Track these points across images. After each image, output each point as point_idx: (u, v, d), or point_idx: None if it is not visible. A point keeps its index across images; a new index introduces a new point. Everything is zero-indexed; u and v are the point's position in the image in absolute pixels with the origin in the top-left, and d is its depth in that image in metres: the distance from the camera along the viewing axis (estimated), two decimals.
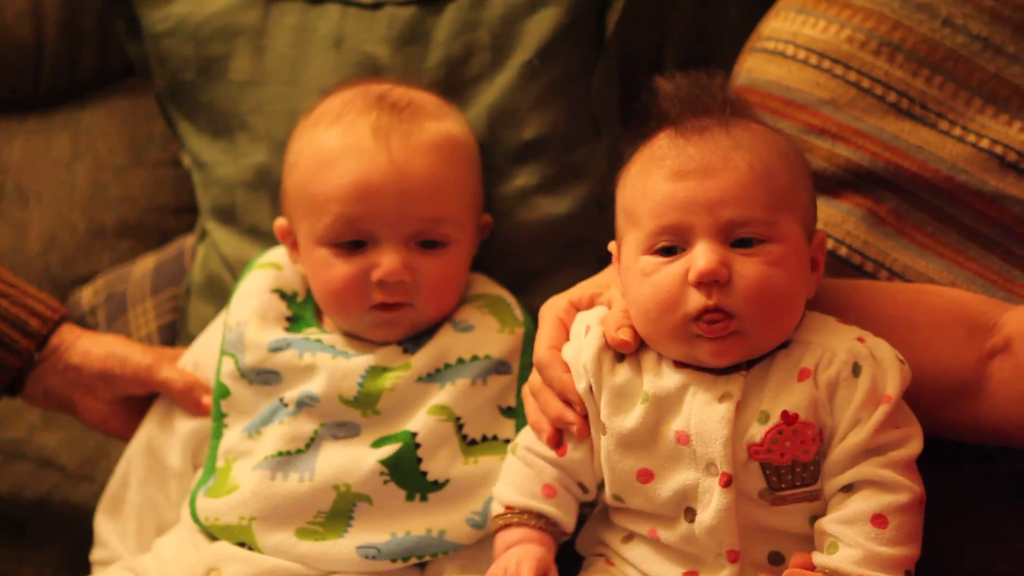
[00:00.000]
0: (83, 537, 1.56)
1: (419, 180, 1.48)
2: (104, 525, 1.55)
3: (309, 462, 1.46)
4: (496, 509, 1.42)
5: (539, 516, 1.40)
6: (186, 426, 1.55)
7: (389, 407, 1.48)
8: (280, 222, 1.57)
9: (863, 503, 1.28)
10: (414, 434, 1.46)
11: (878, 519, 1.27)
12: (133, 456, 1.57)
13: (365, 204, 1.48)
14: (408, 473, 1.46)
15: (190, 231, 1.86)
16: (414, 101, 1.55)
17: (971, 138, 1.55)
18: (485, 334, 1.53)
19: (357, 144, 1.49)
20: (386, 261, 1.47)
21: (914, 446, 1.30)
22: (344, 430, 1.48)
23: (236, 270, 1.68)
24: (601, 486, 1.40)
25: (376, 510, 1.45)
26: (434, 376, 1.50)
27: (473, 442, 1.49)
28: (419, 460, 1.46)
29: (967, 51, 1.56)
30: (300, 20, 1.72)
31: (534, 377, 1.43)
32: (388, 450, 1.46)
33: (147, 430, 1.57)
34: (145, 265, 1.85)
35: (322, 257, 1.50)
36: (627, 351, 1.36)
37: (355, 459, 1.46)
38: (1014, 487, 1.47)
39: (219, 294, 1.68)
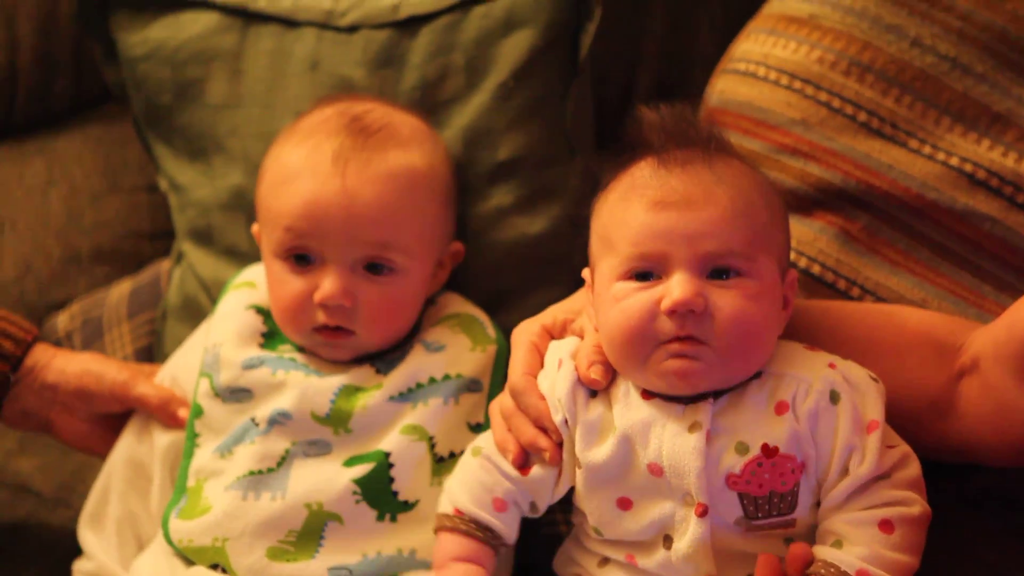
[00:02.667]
0: (60, 563, 1.55)
1: (367, 207, 1.49)
2: (87, 537, 1.54)
3: (281, 480, 1.46)
4: (445, 507, 1.41)
5: (486, 528, 1.40)
6: (164, 439, 1.55)
7: (361, 426, 1.48)
8: (254, 227, 1.59)
9: (873, 510, 1.28)
10: (387, 454, 1.46)
11: (886, 525, 1.27)
12: (113, 469, 1.56)
13: (312, 224, 1.49)
14: (379, 493, 1.46)
15: (166, 256, 1.85)
16: (388, 127, 1.55)
17: (941, 156, 1.57)
18: (457, 353, 1.53)
19: (315, 166, 1.51)
20: (327, 284, 1.48)
21: (915, 463, 1.31)
22: (316, 448, 1.48)
23: (213, 291, 1.68)
24: (567, 515, 1.41)
25: (346, 530, 1.45)
26: (406, 396, 1.50)
27: (441, 459, 1.49)
28: (391, 480, 1.46)
29: (936, 71, 1.58)
30: (276, 44, 1.73)
31: (505, 400, 1.42)
32: (361, 469, 1.46)
33: (127, 442, 1.57)
34: (121, 290, 1.85)
35: (276, 270, 1.52)
36: (598, 388, 1.36)
37: (327, 477, 1.46)
38: (986, 502, 1.48)
39: (196, 316, 1.68)
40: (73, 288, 1.88)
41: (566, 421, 1.37)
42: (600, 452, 1.34)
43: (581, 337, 1.41)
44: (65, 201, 1.92)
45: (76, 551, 1.55)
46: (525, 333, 1.44)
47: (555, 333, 1.44)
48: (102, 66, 1.81)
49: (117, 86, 1.81)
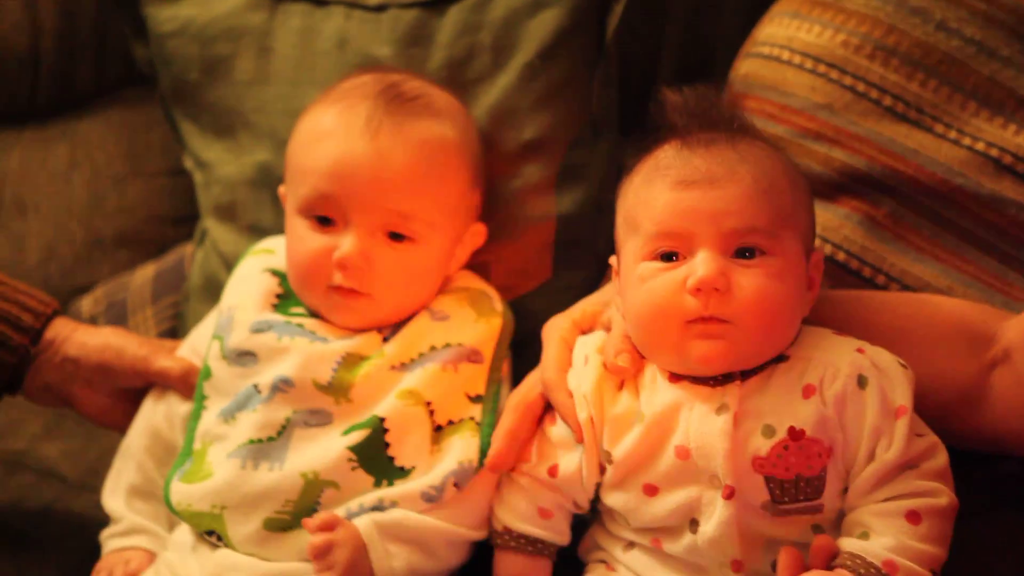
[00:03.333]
0: (85, 548, 1.55)
1: (396, 172, 1.50)
2: (110, 503, 1.54)
3: (280, 451, 1.46)
4: (495, 525, 1.44)
5: (535, 541, 1.42)
6: (184, 408, 1.55)
7: (362, 395, 1.49)
8: (281, 189, 1.60)
9: (899, 500, 1.28)
10: (382, 419, 1.46)
11: (912, 515, 1.27)
12: (132, 439, 1.56)
13: (340, 184, 1.49)
14: (375, 459, 1.46)
15: (188, 240, 1.86)
16: (425, 96, 1.56)
17: (967, 141, 1.56)
18: (460, 323, 1.54)
19: (348, 125, 1.51)
20: (347, 244, 1.49)
21: (943, 454, 1.31)
22: (316, 417, 1.48)
23: (234, 267, 1.68)
24: (593, 501, 1.41)
25: (343, 495, 1.45)
26: (407, 365, 1.50)
27: (439, 428, 1.48)
28: (386, 445, 1.46)
29: (961, 55, 1.57)
30: (305, 22, 1.74)
31: (530, 392, 1.44)
32: (356, 436, 1.46)
33: (145, 414, 1.57)
34: (145, 274, 1.85)
35: (297, 227, 1.53)
36: (626, 377, 1.37)
37: (325, 447, 1.46)
38: (1014, 491, 1.48)
39: (217, 294, 1.67)
40: (96, 272, 1.89)
41: (591, 418, 1.37)
42: (626, 443, 1.35)
43: (608, 330, 1.41)
44: (88, 185, 1.92)
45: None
46: (555, 329, 1.44)
47: (584, 327, 1.45)
48: (131, 44, 1.83)
49: (145, 63, 1.82)
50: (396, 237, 1.51)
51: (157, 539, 1.52)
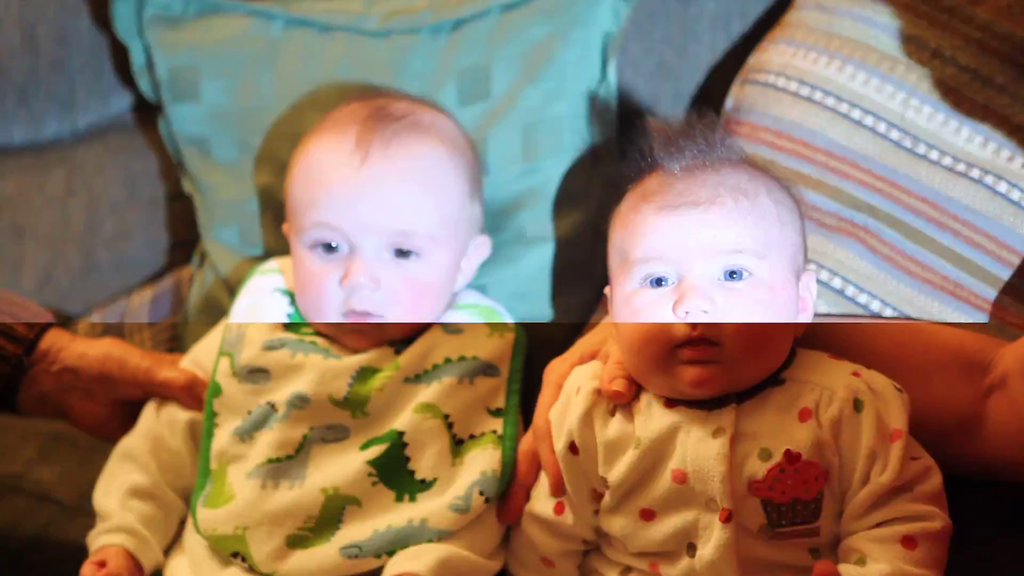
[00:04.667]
0: (80, 571, 1.54)
1: (390, 192, 1.51)
2: (100, 501, 1.53)
3: (299, 468, 1.47)
4: (510, 574, 1.46)
5: None
6: (187, 415, 1.55)
7: (378, 409, 1.49)
8: (285, 226, 1.60)
9: (894, 525, 1.28)
10: (401, 433, 1.47)
11: (908, 541, 1.27)
12: (131, 442, 1.55)
13: (339, 213, 1.51)
14: (396, 473, 1.46)
15: (186, 265, 1.86)
16: (412, 115, 1.57)
17: (960, 167, 1.57)
18: (474, 336, 1.54)
19: (339, 153, 1.53)
20: (354, 268, 1.50)
21: (937, 477, 1.31)
22: (333, 432, 1.49)
23: (235, 290, 1.69)
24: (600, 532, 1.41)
25: (364, 512, 1.45)
26: (421, 377, 1.51)
27: (461, 441, 1.49)
28: (406, 459, 1.46)
29: (956, 82, 1.58)
30: (308, 48, 1.76)
31: (528, 438, 1.46)
32: (375, 451, 1.46)
33: (145, 420, 1.56)
34: (142, 297, 1.85)
35: (304, 260, 1.54)
36: (621, 401, 1.37)
37: (344, 462, 1.46)
38: (1012, 515, 1.48)
39: (217, 316, 1.69)
40: (93, 297, 1.88)
41: (573, 445, 1.38)
42: (621, 466, 1.35)
43: (605, 361, 1.42)
44: (85, 211, 1.92)
45: None
46: (553, 373, 1.45)
47: None
48: (134, 70, 1.83)
49: (148, 88, 1.83)
50: (402, 254, 1.52)
51: (143, 544, 1.49)
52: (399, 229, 1.51)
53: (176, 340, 1.80)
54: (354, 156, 1.52)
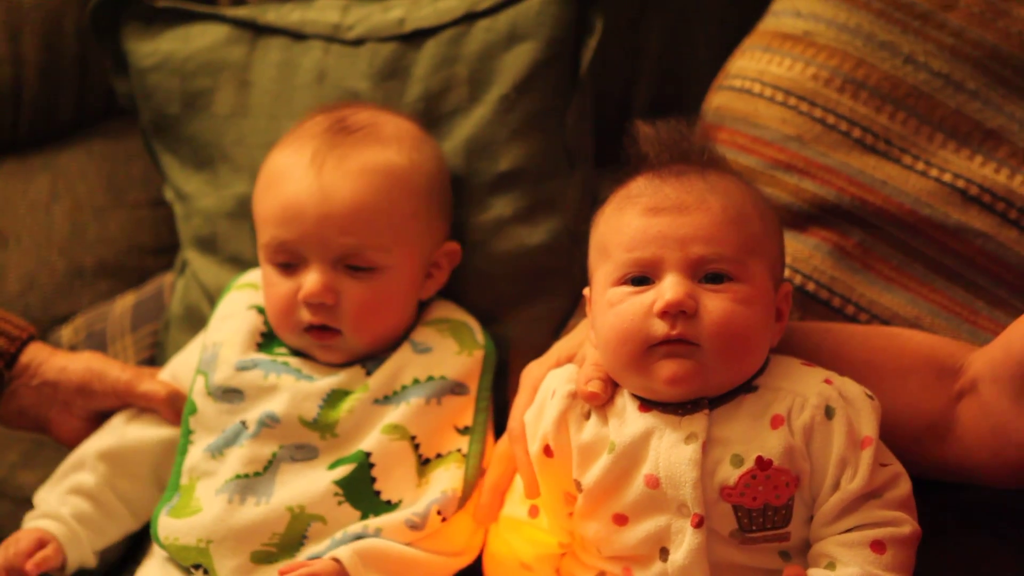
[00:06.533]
0: None
1: (339, 204, 1.51)
2: (40, 493, 1.55)
3: (266, 486, 1.48)
4: None
5: None
6: (154, 432, 1.56)
7: (347, 430, 1.50)
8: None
9: (864, 531, 1.29)
10: (368, 454, 1.48)
11: (877, 545, 1.28)
12: (87, 450, 1.56)
13: (291, 226, 1.52)
14: (362, 493, 1.47)
15: (168, 270, 1.87)
16: (370, 126, 1.57)
17: (934, 172, 1.58)
18: (442, 355, 1.55)
19: (295, 166, 1.54)
20: (308, 282, 1.51)
21: (906, 483, 1.32)
22: (302, 452, 1.50)
23: (215, 299, 1.70)
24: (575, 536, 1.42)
25: (329, 529, 1.46)
26: (390, 398, 1.52)
27: (427, 461, 1.50)
28: (372, 480, 1.47)
29: (929, 87, 1.59)
30: (284, 56, 1.76)
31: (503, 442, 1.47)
32: (342, 471, 1.47)
33: (109, 429, 1.57)
34: (124, 303, 1.86)
35: (267, 274, 1.55)
36: (596, 403, 1.38)
37: (311, 481, 1.47)
38: (982, 515, 1.49)
39: (198, 324, 1.69)
40: (77, 302, 1.89)
41: (548, 448, 1.39)
42: (595, 470, 1.36)
43: (581, 364, 1.43)
44: (69, 216, 1.93)
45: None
46: (529, 377, 1.46)
47: None
48: (112, 77, 1.83)
49: (126, 97, 1.83)
50: (355, 268, 1.52)
51: (71, 536, 1.50)
52: (349, 244, 1.51)
53: (158, 347, 1.80)
54: (308, 171, 1.53)
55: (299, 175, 1.53)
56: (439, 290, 1.62)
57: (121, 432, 1.57)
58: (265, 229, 1.54)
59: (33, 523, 1.51)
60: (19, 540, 1.48)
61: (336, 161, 1.53)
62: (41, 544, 1.48)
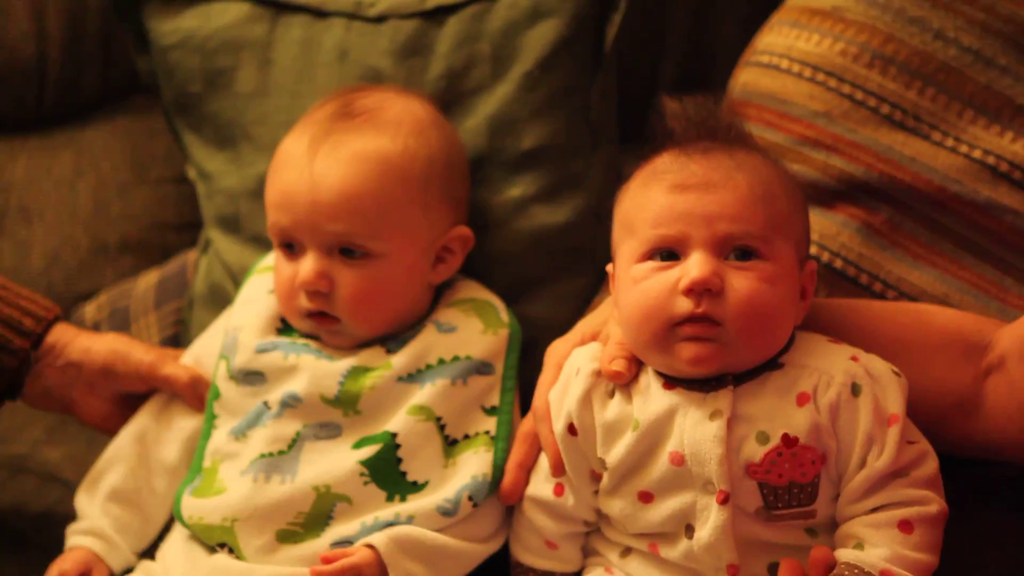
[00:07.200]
0: None
1: (328, 192, 1.50)
2: (80, 499, 1.55)
3: (291, 464, 1.48)
4: (512, 557, 1.47)
5: (546, 572, 1.45)
6: (187, 424, 1.57)
7: (370, 407, 1.50)
8: None
9: (891, 510, 1.29)
10: (394, 435, 1.47)
11: (905, 525, 1.28)
12: (122, 444, 1.57)
13: (287, 212, 1.52)
14: (388, 474, 1.47)
15: (192, 247, 1.87)
16: (372, 111, 1.56)
17: (963, 149, 1.57)
18: (467, 335, 1.54)
19: (295, 152, 1.53)
20: (303, 268, 1.51)
21: (933, 461, 1.31)
22: (326, 430, 1.49)
23: (238, 278, 1.70)
24: (600, 513, 1.42)
25: (355, 510, 1.46)
26: (415, 376, 1.51)
27: (454, 442, 1.49)
28: (399, 460, 1.47)
29: (959, 63, 1.58)
30: (306, 33, 1.75)
31: (528, 420, 1.46)
32: (368, 451, 1.47)
33: (141, 422, 1.58)
34: (148, 280, 1.86)
35: (277, 258, 1.55)
36: (620, 382, 1.37)
37: (336, 460, 1.47)
38: (1007, 492, 1.49)
39: (222, 303, 1.69)
40: (100, 279, 1.90)
41: (571, 427, 1.38)
42: (620, 448, 1.35)
43: (606, 343, 1.42)
44: (93, 193, 1.94)
45: None
46: (553, 355, 1.46)
47: None
48: (134, 55, 1.83)
49: (148, 75, 1.83)
50: (349, 254, 1.51)
51: (113, 549, 1.52)
52: (339, 231, 1.50)
53: (181, 325, 1.81)
54: (303, 158, 1.52)
55: (295, 162, 1.52)
56: (458, 271, 1.61)
57: (148, 429, 1.58)
58: (269, 213, 1.55)
59: (77, 539, 1.52)
60: (64, 564, 1.49)
61: (329, 148, 1.52)
62: (87, 568, 1.49)
